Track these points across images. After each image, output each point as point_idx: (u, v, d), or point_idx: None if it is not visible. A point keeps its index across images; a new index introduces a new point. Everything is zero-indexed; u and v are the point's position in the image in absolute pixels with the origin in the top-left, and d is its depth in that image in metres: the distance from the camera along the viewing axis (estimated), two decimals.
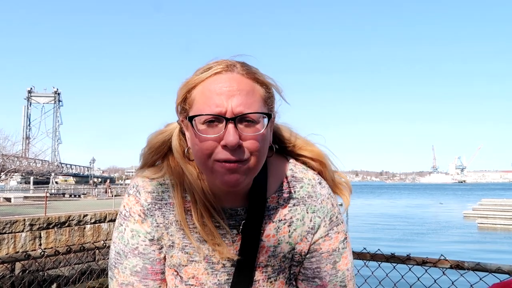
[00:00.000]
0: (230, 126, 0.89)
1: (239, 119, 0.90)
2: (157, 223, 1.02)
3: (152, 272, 1.03)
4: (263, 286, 1.04)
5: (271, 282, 1.04)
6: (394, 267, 2.50)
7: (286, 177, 1.07)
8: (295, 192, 1.06)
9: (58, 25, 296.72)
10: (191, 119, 0.92)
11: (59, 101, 78.12)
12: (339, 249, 1.07)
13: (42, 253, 2.69)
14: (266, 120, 0.94)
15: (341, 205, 1.14)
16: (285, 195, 1.05)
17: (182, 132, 1.04)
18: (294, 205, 1.05)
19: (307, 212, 1.05)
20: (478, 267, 2.29)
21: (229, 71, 0.94)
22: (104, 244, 3.30)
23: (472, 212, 34.94)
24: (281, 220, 1.04)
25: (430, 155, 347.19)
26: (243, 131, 0.90)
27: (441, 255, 2.40)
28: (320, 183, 1.08)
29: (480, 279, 2.31)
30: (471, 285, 2.43)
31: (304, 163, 1.12)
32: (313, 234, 1.05)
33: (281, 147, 1.11)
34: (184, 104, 0.97)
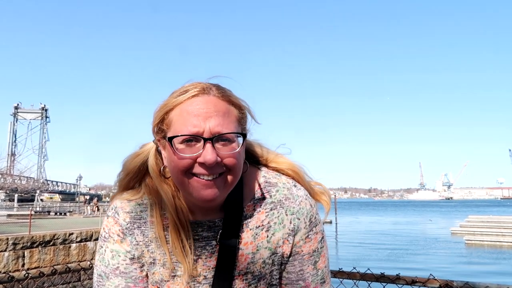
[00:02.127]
0: (208, 145, 0.95)
1: (216, 138, 0.96)
2: (137, 241, 1.05)
3: None
4: None
5: None
6: (384, 286, 2.50)
7: (260, 184, 1.11)
8: (271, 196, 1.09)
9: (47, 40, 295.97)
10: (170, 139, 0.96)
11: (46, 117, 77.40)
12: (318, 249, 1.11)
13: (26, 274, 2.62)
14: (241, 139, 1.00)
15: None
16: (261, 201, 1.09)
17: (158, 151, 1.08)
18: (271, 209, 1.08)
19: (286, 214, 1.08)
20: (467, 286, 2.30)
21: (205, 94, 1.00)
22: (90, 265, 3.24)
23: (460, 229, 35.15)
24: (259, 226, 1.07)
25: (417, 172, 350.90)
26: (220, 150, 0.96)
27: (430, 274, 2.42)
28: (295, 185, 1.12)
29: None
30: None
31: (277, 173, 1.16)
32: (294, 236, 1.08)
33: (254, 161, 1.16)
34: (161, 125, 1.02)
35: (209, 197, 0.96)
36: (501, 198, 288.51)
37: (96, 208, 31.14)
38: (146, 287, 1.07)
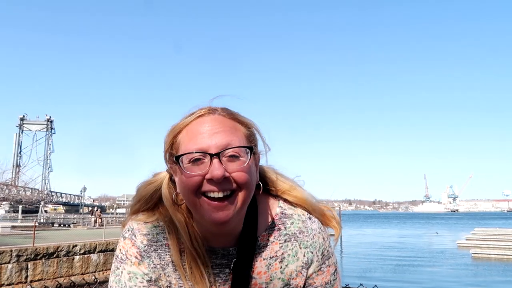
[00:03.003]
0: (215, 161, 0.94)
1: (223, 153, 0.95)
2: (154, 264, 1.05)
3: None
4: None
5: None
6: None
7: (276, 215, 1.11)
8: (285, 228, 1.10)
9: (53, 52, 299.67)
10: (177, 158, 0.97)
11: (52, 128, 77.98)
12: (330, 281, 1.12)
13: None
14: (249, 154, 0.99)
15: (332, 235, 1.19)
16: (276, 232, 1.09)
17: (172, 180, 1.09)
18: (285, 241, 1.09)
19: (300, 248, 1.09)
20: None
21: (211, 114, 1.02)
22: (95, 280, 3.23)
23: (466, 242, 34.74)
24: (272, 257, 1.07)
25: (422, 184, 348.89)
26: (228, 165, 0.95)
27: None
28: (310, 218, 1.13)
29: None
30: None
31: (292, 204, 1.16)
32: (307, 269, 1.09)
33: (266, 189, 1.15)
34: (171, 150, 1.03)
35: (221, 220, 0.95)
36: (507, 211, 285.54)
37: (99, 219, 31.08)
38: None
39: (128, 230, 1.09)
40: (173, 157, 1.00)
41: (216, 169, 0.92)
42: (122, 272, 1.05)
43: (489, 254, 29.23)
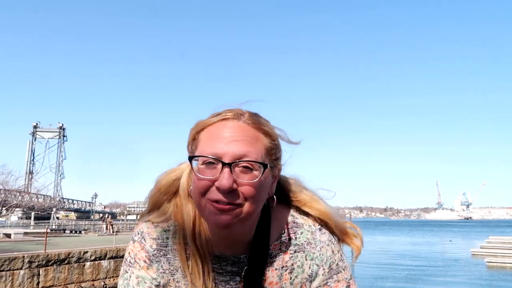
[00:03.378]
0: (226, 170, 0.91)
1: (235, 164, 0.92)
2: (163, 269, 1.03)
3: None
4: None
5: None
6: None
7: (287, 224, 1.08)
8: (296, 238, 1.07)
9: (65, 59, 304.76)
10: (190, 159, 0.97)
11: (64, 136, 79.03)
12: None
13: None
14: (262, 169, 0.95)
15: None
16: (287, 241, 1.06)
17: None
18: (295, 251, 1.06)
19: (306, 259, 1.05)
20: None
21: (235, 119, 0.98)
22: (105, 285, 3.21)
23: (480, 250, 34.19)
24: (283, 267, 1.05)
25: (434, 191, 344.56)
26: (239, 176, 0.92)
27: None
28: (320, 229, 1.08)
29: None
30: None
31: (307, 215, 1.12)
32: (311, 282, 1.04)
33: (286, 201, 1.11)
34: (192, 144, 1.02)
35: (223, 223, 0.92)
36: None
37: (110, 226, 31.24)
38: None
39: (138, 233, 1.06)
40: (192, 152, 1.00)
41: (225, 179, 0.90)
42: (130, 276, 1.03)
43: (504, 262, 28.64)
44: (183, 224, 1.03)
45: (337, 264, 1.05)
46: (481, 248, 35.20)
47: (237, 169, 0.92)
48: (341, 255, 1.08)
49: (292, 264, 1.05)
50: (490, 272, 27.02)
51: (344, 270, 1.06)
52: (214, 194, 0.92)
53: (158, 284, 1.02)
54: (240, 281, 1.03)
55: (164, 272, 1.02)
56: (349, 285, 1.05)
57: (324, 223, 1.10)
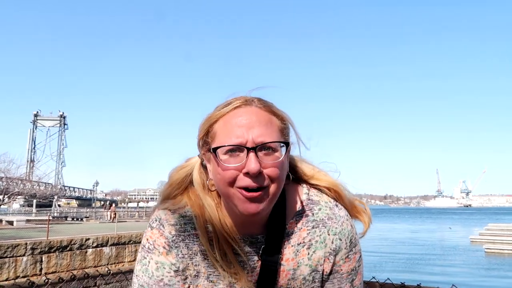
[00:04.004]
0: (251, 154, 0.96)
1: (259, 148, 0.97)
2: (182, 254, 1.06)
3: None
4: None
5: None
6: None
7: (303, 201, 1.12)
8: (313, 214, 1.10)
9: (66, 48, 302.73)
10: (215, 150, 0.99)
11: (65, 124, 78.99)
12: (356, 267, 1.13)
13: (46, 280, 2.65)
14: (284, 148, 1.01)
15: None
16: (303, 218, 1.10)
17: (203, 165, 1.11)
18: (313, 227, 1.09)
19: (329, 234, 1.09)
20: None
21: (247, 105, 1.02)
22: (108, 271, 3.27)
23: (479, 237, 34.48)
24: (300, 243, 1.08)
25: (434, 178, 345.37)
26: (263, 159, 0.97)
27: (453, 285, 2.36)
28: (337, 205, 1.13)
29: None
30: None
31: (319, 191, 1.16)
32: (335, 256, 1.09)
33: (296, 177, 1.16)
34: (206, 138, 1.04)
35: (253, 211, 0.97)
36: None
37: (114, 215, 31.37)
38: None
39: (156, 220, 1.09)
40: (208, 145, 1.03)
41: (253, 163, 0.94)
42: (149, 262, 1.06)
43: (503, 249, 28.90)
44: (202, 212, 1.07)
45: (355, 238, 1.12)
46: (480, 235, 35.48)
47: (260, 153, 0.97)
48: (355, 229, 1.14)
49: (310, 240, 1.09)
50: (488, 258, 27.30)
51: (358, 242, 1.14)
52: (242, 181, 0.96)
53: (177, 269, 1.05)
54: (258, 260, 1.07)
55: (183, 257, 1.05)
56: (361, 255, 1.15)
57: (336, 195, 1.15)
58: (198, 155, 1.12)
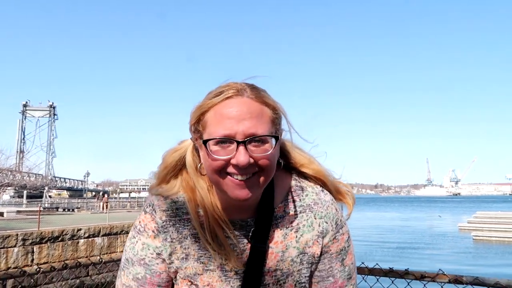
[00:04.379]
0: (241, 148, 0.98)
1: (249, 140, 0.99)
2: (171, 239, 1.12)
3: (149, 282, 1.14)
4: None
5: (280, 284, 1.13)
6: (392, 281, 2.51)
7: (291, 187, 1.17)
8: (300, 200, 1.16)
9: (55, 37, 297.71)
10: (205, 142, 1.01)
11: (54, 114, 78.01)
12: (345, 248, 1.18)
13: (38, 269, 2.66)
14: (274, 140, 1.03)
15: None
16: (291, 204, 1.15)
17: (195, 148, 1.13)
18: (300, 212, 1.15)
19: (315, 218, 1.15)
20: (476, 282, 2.30)
21: (239, 95, 1.03)
22: (100, 260, 3.28)
23: (467, 225, 35.03)
24: (288, 227, 1.13)
25: (424, 168, 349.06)
26: (253, 151, 0.99)
27: (440, 269, 2.41)
28: (322, 190, 1.19)
29: None
30: None
31: (306, 178, 1.21)
32: (323, 238, 1.15)
33: (286, 163, 1.20)
34: (197, 126, 1.06)
35: (242, 197, 1.01)
36: (509, 194, 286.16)
37: (106, 205, 31.20)
38: (159, 283, 1.14)
39: (150, 206, 1.15)
40: (199, 133, 1.05)
41: (241, 156, 0.97)
42: (137, 242, 1.15)
43: (490, 236, 29.43)
44: (194, 195, 1.12)
45: (340, 220, 1.18)
46: (468, 223, 36.04)
47: (250, 145, 0.99)
48: (341, 212, 1.20)
49: (298, 224, 1.14)
50: (476, 245, 27.80)
51: (345, 224, 1.20)
52: (231, 169, 1.00)
53: (159, 252, 1.12)
54: (248, 242, 1.11)
55: (171, 241, 1.11)
56: (349, 236, 1.21)
57: (322, 182, 1.20)
58: (190, 138, 1.14)
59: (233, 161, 0.98)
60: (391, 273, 2.48)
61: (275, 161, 1.05)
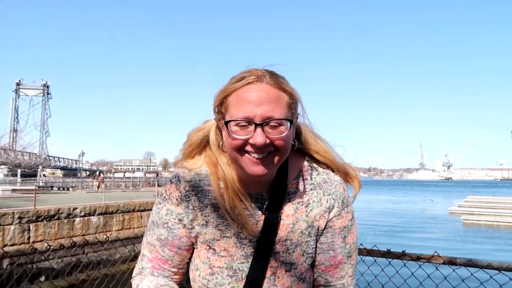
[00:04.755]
0: (258, 129, 1.09)
1: (266, 123, 1.09)
2: (193, 207, 1.24)
3: (171, 244, 1.27)
4: (283, 256, 1.24)
5: (289, 253, 1.24)
6: (389, 262, 2.60)
7: (303, 167, 1.29)
8: (311, 178, 1.28)
9: (49, 16, 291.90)
10: (227, 123, 1.13)
11: (48, 93, 76.93)
12: (348, 225, 1.29)
13: (34, 249, 2.71)
14: (289, 124, 1.13)
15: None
16: (303, 181, 1.27)
17: (218, 128, 1.25)
18: (311, 189, 1.27)
19: (324, 195, 1.27)
20: (469, 263, 2.39)
21: (259, 81, 1.14)
22: (96, 239, 3.33)
23: (458, 209, 35.58)
24: (299, 202, 1.25)
25: (418, 152, 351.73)
26: (270, 133, 1.10)
27: (435, 251, 2.51)
28: (332, 171, 1.32)
29: (472, 274, 2.42)
30: (462, 280, 2.54)
31: (318, 162, 1.32)
32: (329, 213, 1.27)
33: (300, 146, 1.29)
34: (220, 108, 1.18)
35: (258, 173, 1.12)
36: (500, 179, 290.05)
37: (103, 184, 31.20)
38: (179, 245, 1.27)
39: (175, 177, 1.28)
40: (222, 114, 1.17)
41: (258, 137, 1.08)
42: (162, 207, 1.28)
43: (480, 220, 30.00)
44: (216, 170, 1.24)
45: (347, 199, 1.29)
46: (458, 206, 36.59)
47: (267, 127, 1.09)
48: (348, 192, 1.31)
49: (308, 200, 1.26)
50: (465, 228, 28.35)
51: (350, 204, 1.31)
52: (249, 148, 1.11)
53: (181, 218, 1.25)
54: (262, 214, 1.23)
55: (193, 209, 1.24)
56: (353, 216, 1.32)
57: (332, 165, 1.32)
58: (214, 118, 1.25)
59: (251, 141, 1.09)
60: (388, 255, 2.57)
61: (289, 142, 1.15)
